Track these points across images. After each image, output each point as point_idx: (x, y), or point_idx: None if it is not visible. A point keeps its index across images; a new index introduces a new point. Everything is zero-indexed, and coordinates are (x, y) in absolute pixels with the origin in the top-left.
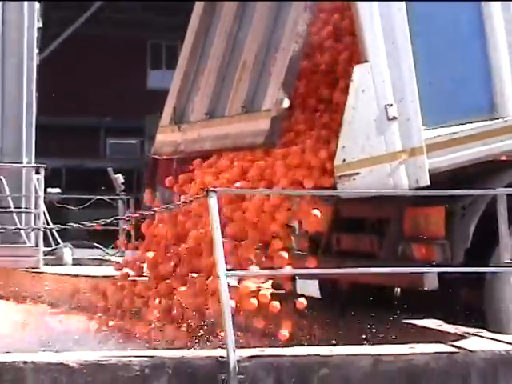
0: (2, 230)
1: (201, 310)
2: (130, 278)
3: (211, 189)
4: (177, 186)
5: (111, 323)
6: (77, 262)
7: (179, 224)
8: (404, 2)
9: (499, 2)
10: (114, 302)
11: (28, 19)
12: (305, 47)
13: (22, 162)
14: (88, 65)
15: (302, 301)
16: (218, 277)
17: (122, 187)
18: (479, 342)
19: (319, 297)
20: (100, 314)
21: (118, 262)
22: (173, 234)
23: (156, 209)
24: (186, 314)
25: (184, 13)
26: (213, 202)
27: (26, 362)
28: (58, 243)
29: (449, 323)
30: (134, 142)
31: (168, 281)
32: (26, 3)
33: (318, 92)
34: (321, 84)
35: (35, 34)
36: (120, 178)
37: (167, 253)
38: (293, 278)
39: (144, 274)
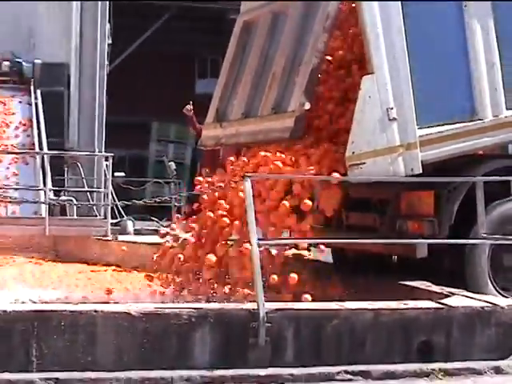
0: (78, 205)
1: (240, 271)
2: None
3: (247, 174)
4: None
5: (166, 280)
6: (137, 232)
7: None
8: (403, 25)
9: (479, 26)
10: (170, 263)
11: (100, 36)
12: (322, 62)
13: (94, 152)
14: (147, 75)
15: (294, 276)
16: (251, 244)
17: (174, 172)
18: (460, 300)
19: (332, 262)
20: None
21: (164, 232)
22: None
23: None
24: (229, 274)
25: (225, 33)
26: (247, 184)
27: (96, 311)
28: (122, 216)
29: (435, 285)
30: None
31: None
32: (99, 23)
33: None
34: (337, 90)
35: (106, 49)
36: (172, 165)
37: (214, 224)
38: (308, 247)
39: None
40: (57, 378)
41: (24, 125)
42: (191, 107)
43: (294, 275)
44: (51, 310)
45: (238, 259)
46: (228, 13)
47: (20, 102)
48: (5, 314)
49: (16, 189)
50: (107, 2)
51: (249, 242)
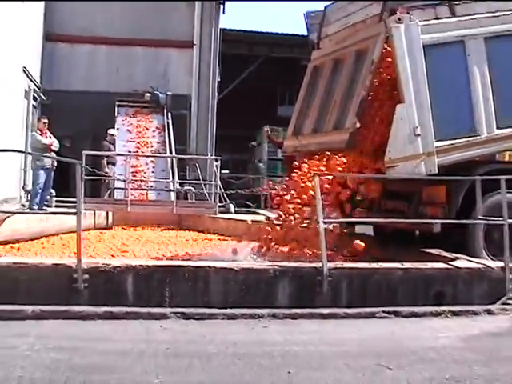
0: (196, 193)
1: (312, 242)
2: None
3: (316, 173)
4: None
5: (259, 245)
6: (237, 212)
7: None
8: (425, 69)
9: (478, 70)
10: (264, 234)
11: (212, 76)
12: (368, 94)
13: (207, 155)
14: (244, 102)
15: (360, 243)
16: (318, 222)
17: (264, 171)
18: (463, 263)
19: (373, 235)
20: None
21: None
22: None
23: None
24: (304, 243)
25: (299, 73)
26: (317, 180)
27: (209, 267)
28: (226, 201)
29: (446, 251)
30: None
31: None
32: (212, 67)
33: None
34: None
35: (216, 85)
36: (262, 165)
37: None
38: (353, 224)
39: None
40: (183, 312)
41: (158, 129)
42: (268, 131)
43: (361, 243)
44: (179, 266)
45: (310, 232)
46: (301, 60)
47: (155, 117)
48: (147, 267)
49: (154, 181)
50: (218, 53)
51: (317, 220)
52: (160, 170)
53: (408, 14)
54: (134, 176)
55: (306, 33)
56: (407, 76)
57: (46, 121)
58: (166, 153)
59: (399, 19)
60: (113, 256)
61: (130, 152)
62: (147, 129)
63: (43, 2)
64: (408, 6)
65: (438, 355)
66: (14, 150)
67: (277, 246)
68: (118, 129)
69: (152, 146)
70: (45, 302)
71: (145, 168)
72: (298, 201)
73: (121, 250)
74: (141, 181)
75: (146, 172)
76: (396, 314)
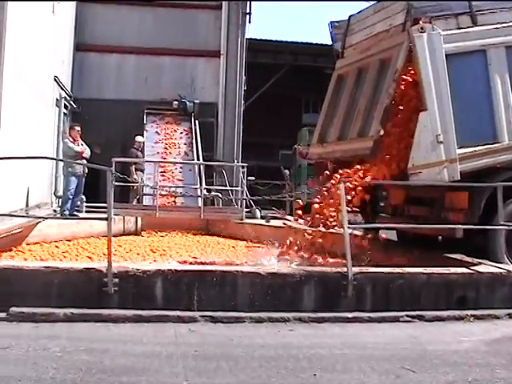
0: (223, 199)
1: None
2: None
3: (342, 179)
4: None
5: (285, 251)
6: (263, 217)
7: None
8: (447, 77)
9: (499, 79)
10: (290, 239)
11: (238, 85)
12: (392, 102)
13: (234, 162)
14: (269, 110)
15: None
16: (343, 227)
17: (288, 177)
18: (485, 267)
19: (396, 240)
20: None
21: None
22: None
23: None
24: (330, 249)
25: (323, 81)
26: (342, 186)
27: (237, 271)
28: (252, 206)
29: (468, 256)
30: (290, 152)
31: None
32: (237, 76)
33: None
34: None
35: (242, 93)
36: (287, 172)
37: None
38: (377, 229)
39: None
40: (211, 316)
41: (185, 131)
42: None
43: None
44: (207, 270)
45: (335, 237)
46: (326, 68)
47: (183, 122)
48: (175, 271)
49: (182, 187)
50: (244, 62)
51: (342, 226)
52: (187, 170)
53: (430, 23)
54: (163, 175)
55: (330, 42)
56: (430, 84)
57: (79, 128)
58: (192, 154)
59: (422, 29)
60: (143, 260)
61: (158, 153)
62: (175, 131)
63: (74, 14)
64: (431, 15)
65: (461, 359)
66: (46, 157)
67: (303, 251)
68: (145, 136)
69: (179, 148)
70: (75, 305)
71: (173, 168)
72: (332, 208)
73: (150, 254)
74: (169, 187)
75: (173, 172)
76: (420, 318)
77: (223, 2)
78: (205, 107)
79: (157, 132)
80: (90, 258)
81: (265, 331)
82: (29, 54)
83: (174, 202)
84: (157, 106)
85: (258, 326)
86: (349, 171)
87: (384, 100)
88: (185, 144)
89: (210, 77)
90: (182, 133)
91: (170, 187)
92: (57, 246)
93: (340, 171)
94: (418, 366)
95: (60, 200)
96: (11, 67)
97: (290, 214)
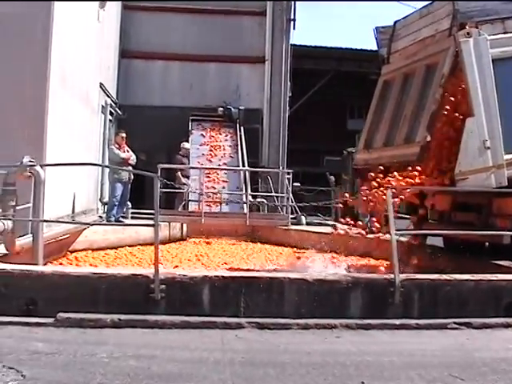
0: (268, 205)
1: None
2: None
3: (389, 186)
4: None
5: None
6: (308, 224)
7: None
8: (494, 83)
9: None
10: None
11: (283, 91)
12: (438, 107)
13: (279, 168)
14: (314, 116)
15: None
16: (390, 234)
17: (333, 183)
18: None
19: (443, 246)
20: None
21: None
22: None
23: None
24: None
25: (368, 87)
26: (389, 192)
27: (284, 278)
28: (297, 213)
29: None
30: (338, 158)
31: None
32: (283, 82)
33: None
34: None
35: (287, 99)
36: (332, 178)
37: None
38: (425, 236)
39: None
40: (258, 322)
41: (230, 133)
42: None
43: None
44: (254, 277)
45: (383, 244)
46: (370, 74)
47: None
48: (222, 278)
49: (227, 193)
50: (288, 68)
51: (389, 232)
52: (232, 172)
53: (477, 28)
54: (208, 177)
55: (375, 48)
56: (477, 90)
57: (124, 135)
58: (237, 156)
59: (468, 33)
60: (191, 266)
61: (203, 154)
62: (220, 134)
63: (119, 21)
64: (477, 20)
65: (510, 366)
66: (92, 164)
67: (349, 257)
68: (190, 140)
69: (224, 150)
70: (122, 311)
71: (218, 170)
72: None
73: (196, 260)
74: (214, 193)
75: (218, 173)
76: (467, 325)
77: (267, 9)
78: (250, 113)
79: (202, 135)
80: (137, 264)
81: (311, 338)
82: (74, 60)
83: (220, 208)
84: (202, 112)
85: (305, 332)
86: (395, 177)
87: (430, 106)
88: (230, 146)
89: (254, 83)
90: (226, 135)
91: (215, 193)
92: (106, 254)
93: (387, 177)
94: (465, 374)
95: (106, 206)
96: (57, 74)
97: (336, 221)
